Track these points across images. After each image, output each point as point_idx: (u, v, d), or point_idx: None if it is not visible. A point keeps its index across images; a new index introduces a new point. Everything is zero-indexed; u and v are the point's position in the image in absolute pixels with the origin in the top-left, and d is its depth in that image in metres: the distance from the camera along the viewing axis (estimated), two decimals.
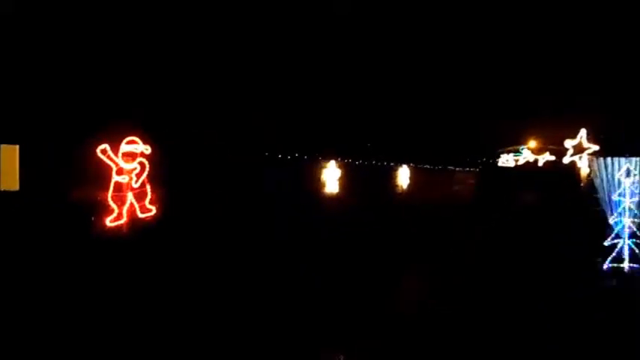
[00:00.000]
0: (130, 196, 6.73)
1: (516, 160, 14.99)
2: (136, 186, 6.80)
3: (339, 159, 11.45)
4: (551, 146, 13.97)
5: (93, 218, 6.64)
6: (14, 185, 6.38)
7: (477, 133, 13.93)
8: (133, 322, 6.11)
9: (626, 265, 10.09)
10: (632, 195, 10.21)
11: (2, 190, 6.27)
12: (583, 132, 12.23)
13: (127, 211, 6.70)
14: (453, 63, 12.41)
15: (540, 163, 14.31)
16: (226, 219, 8.38)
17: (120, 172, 6.60)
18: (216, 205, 8.33)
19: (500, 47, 12.30)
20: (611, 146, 11.76)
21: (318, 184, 11.03)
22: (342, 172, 11.37)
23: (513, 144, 15.02)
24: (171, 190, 7.34)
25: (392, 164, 14.04)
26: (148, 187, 6.95)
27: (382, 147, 13.47)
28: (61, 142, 6.65)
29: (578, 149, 12.35)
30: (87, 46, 6.76)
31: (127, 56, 6.96)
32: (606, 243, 10.23)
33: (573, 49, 12.06)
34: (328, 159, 11.29)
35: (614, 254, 10.10)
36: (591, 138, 12.12)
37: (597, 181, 11.03)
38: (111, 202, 6.54)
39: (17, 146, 6.35)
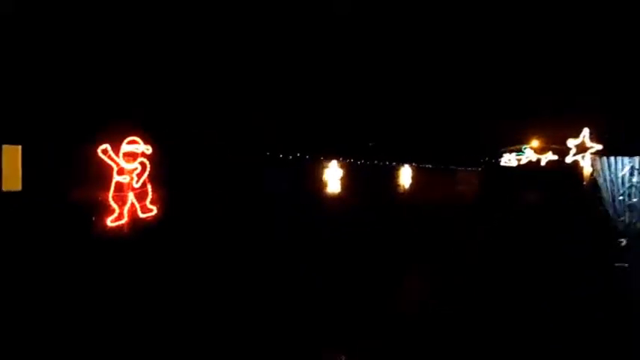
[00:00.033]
0: (131, 196, 6.75)
1: (519, 160, 14.95)
2: (136, 186, 6.82)
3: (341, 158, 11.44)
4: (553, 145, 13.93)
5: (94, 218, 6.65)
6: (17, 185, 6.40)
7: (479, 132, 13.90)
8: (134, 322, 6.12)
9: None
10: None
11: (5, 190, 6.29)
12: (586, 131, 12.19)
13: (128, 211, 6.72)
14: (455, 63, 12.39)
15: (543, 163, 14.27)
16: (227, 219, 8.39)
17: (121, 172, 6.62)
18: (218, 205, 8.34)
19: (503, 47, 12.26)
20: (614, 145, 11.70)
21: (320, 184, 11.03)
22: (343, 171, 11.36)
23: (516, 143, 14.99)
24: (173, 190, 7.35)
25: (394, 164, 14.03)
26: (149, 187, 6.96)
27: (384, 146, 13.45)
28: (63, 142, 6.67)
29: (581, 148, 12.30)
30: (88, 46, 6.78)
31: (128, 57, 6.98)
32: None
33: (576, 48, 12.01)
34: (330, 159, 11.28)
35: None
36: (594, 137, 12.08)
37: (600, 181, 10.98)
38: (112, 202, 6.56)
39: (20, 147, 6.37)
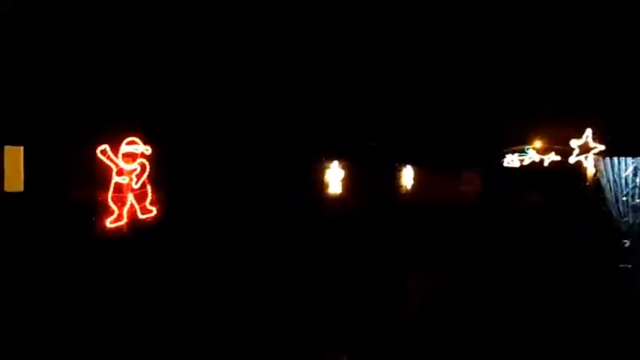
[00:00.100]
0: (130, 197, 6.78)
1: (521, 160, 14.88)
2: (136, 187, 6.85)
3: (343, 159, 11.44)
4: (556, 146, 13.85)
5: (94, 219, 6.69)
6: (19, 186, 6.45)
7: (481, 133, 13.84)
8: (135, 322, 6.16)
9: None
10: None
11: (7, 191, 6.35)
12: (589, 131, 12.13)
13: (128, 212, 6.75)
14: (457, 63, 12.35)
15: (546, 164, 14.19)
16: (228, 219, 8.41)
17: (120, 172, 6.65)
18: (218, 206, 8.36)
19: (506, 47, 12.22)
20: (617, 146, 11.63)
21: (321, 185, 11.03)
22: (345, 172, 11.35)
23: (518, 144, 14.90)
24: (172, 190, 7.37)
25: (396, 164, 14.00)
26: (149, 188, 6.99)
27: (386, 147, 13.43)
28: (65, 143, 6.72)
29: (584, 149, 12.24)
30: (88, 47, 6.83)
31: (128, 57, 7.02)
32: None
33: (579, 49, 11.94)
34: (331, 159, 11.28)
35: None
36: (597, 137, 12.01)
37: (604, 181, 10.93)
38: (111, 203, 6.59)
39: (22, 147, 6.43)
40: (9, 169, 6.39)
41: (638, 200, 10.35)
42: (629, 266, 9.98)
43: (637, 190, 10.27)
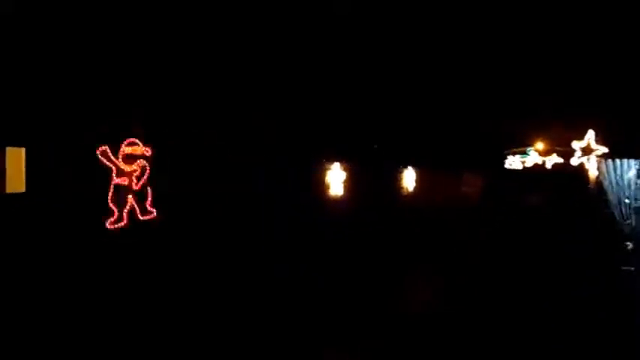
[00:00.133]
0: (130, 198, 6.80)
1: (523, 162, 14.82)
2: (136, 188, 6.86)
3: (344, 160, 11.43)
4: (558, 148, 13.79)
5: (96, 220, 6.71)
6: (20, 187, 6.47)
7: (482, 134, 13.80)
8: (136, 323, 6.17)
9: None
10: None
11: (8, 192, 6.37)
12: (591, 133, 12.09)
13: (128, 213, 6.77)
14: (459, 65, 12.33)
15: (548, 165, 14.13)
16: (229, 220, 8.41)
17: (120, 173, 6.67)
18: (219, 207, 8.37)
19: (508, 49, 12.19)
20: (619, 148, 11.57)
21: (322, 186, 11.03)
22: (347, 173, 11.35)
23: (520, 145, 14.85)
24: (173, 191, 7.38)
25: (398, 166, 13.98)
26: (149, 189, 7.00)
27: (388, 149, 13.42)
28: (66, 144, 6.74)
29: (587, 151, 12.19)
30: (90, 48, 6.84)
31: (128, 58, 7.03)
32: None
33: (581, 50, 11.90)
34: (332, 160, 11.28)
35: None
36: (599, 139, 11.96)
37: (606, 184, 10.88)
38: (111, 205, 6.61)
39: (23, 149, 6.45)
40: (10, 170, 6.40)
41: None
42: (632, 268, 9.92)
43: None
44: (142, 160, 6.90)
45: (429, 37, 11.50)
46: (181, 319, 6.36)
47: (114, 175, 6.60)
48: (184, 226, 7.70)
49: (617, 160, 10.54)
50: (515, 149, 14.94)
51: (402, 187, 13.99)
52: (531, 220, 12.58)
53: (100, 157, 6.44)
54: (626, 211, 10.65)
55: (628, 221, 10.72)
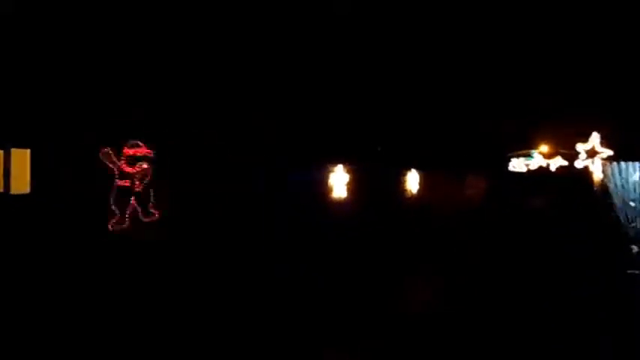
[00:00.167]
0: (132, 200, 6.85)
1: (527, 165, 14.76)
2: (138, 189, 6.92)
3: (347, 163, 11.45)
4: (562, 150, 13.74)
5: (98, 221, 6.77)
6: (25, 188, 6.54)
7: (487, 137, 13.78)
8: (136, 322, 6.19)
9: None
10: None
11: (13, 193, 6.44)
12: (595, 136, 12.03)
13: (130, 214, 6.82)
14: (463, 68, 12.34)
15: (552, 168, 14.07)
16: (230, 221, 8.44)
17: (123, 175, 6.73)
18: (220, 208, 8.40)
19: (512, 51, 12.19)
20: (624, 150, 11.51)
21: (324, 187, 11.05)
22: (350, 176, 11.36)
23: (524, 148, 14.80)
24: (174, 192, 7.43)
25: (401, 168, 13.97)
26: (151, 191, 7.06)
27: (392, 151, 13.43)
28: (70, 146, 6.81)
29: (591, 153, 12.14)
30: (93, 52, 6.92)
31: (129, 60, 7.10)
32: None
33: (586, 52, 11.87)
34: (336, 163, 11.30)
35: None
36: (604, 142, 11.91)
37: (611, 186, 10.81)
38: (114, 206, 6.66)
39: (28, 150, 6.52)
40: (15, 171, 6.48)
41: None
42: (637, 272, 9.85)
43: None
44: (144, 162, 6.96)
45: (435, 40, 11.52)
46: (182, 319, 6.38)
47: (116, 176, 6.66)
48: (184, 226, 7.74)
49: (622, 163, 10.46)
50: (519, 152, 14.89)
51: (405, 189, 13.98)
52: (535, 223, 12.51)
53: (103, 158, 6.51)
54: (631, 214, 10.57)
55: (633, 224, 10.62)
